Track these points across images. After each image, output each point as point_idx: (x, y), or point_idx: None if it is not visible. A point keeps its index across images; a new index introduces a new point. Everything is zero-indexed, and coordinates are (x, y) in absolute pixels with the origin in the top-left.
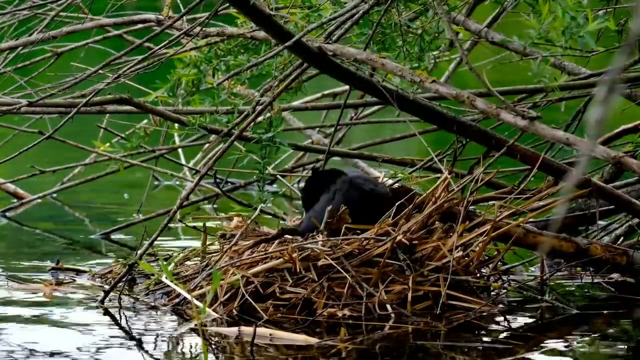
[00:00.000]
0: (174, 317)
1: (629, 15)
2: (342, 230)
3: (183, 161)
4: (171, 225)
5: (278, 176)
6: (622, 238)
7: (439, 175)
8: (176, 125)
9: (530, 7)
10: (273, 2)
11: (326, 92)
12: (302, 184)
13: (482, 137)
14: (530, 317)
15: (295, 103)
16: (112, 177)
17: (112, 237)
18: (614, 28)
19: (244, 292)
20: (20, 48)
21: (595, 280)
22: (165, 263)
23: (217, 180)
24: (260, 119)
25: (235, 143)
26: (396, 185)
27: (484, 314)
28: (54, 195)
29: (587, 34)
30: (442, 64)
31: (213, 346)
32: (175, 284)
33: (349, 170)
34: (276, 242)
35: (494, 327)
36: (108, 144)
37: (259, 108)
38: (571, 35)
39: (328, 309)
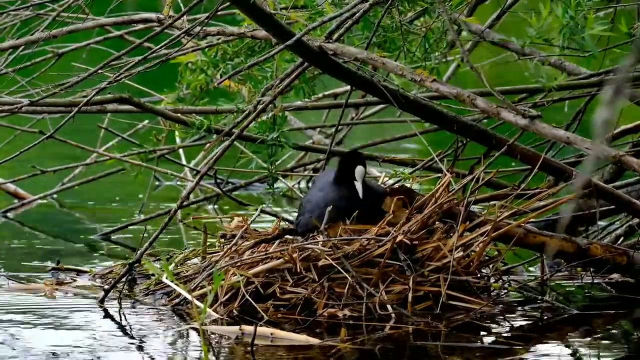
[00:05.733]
0: (174, 317)
1: (631, 16)
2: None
3: (184, 161)
4: (172, 225)
5: (279, 176)
6: (622, 238)
7: (439, 175)
8: (177, 125)
9: (532, 9)
10: (277, 2)
11: (327, 92)
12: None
13: (482, 136)
14: (530, 317)
15: (296, 103)
16: (112, 178)
17: (113, 237)
18: (625, 30)
19: (245, 292)
20: (21, 47)
21: (596, 281)
22: (166, 263)
23: (218, 180)
24: (262, 118)
25: (238, 143)
26: (396, 185)
27: (485, 314)
28: (55, 195)
29: (588, 37)
30: (442, 63)
31: (213, 346)
32: (176, 284)
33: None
34: (277, 242)
35: (495, 327)
36: (110, 144)
37: (260, 107)
38: (570, 36)
39: (328, 309)
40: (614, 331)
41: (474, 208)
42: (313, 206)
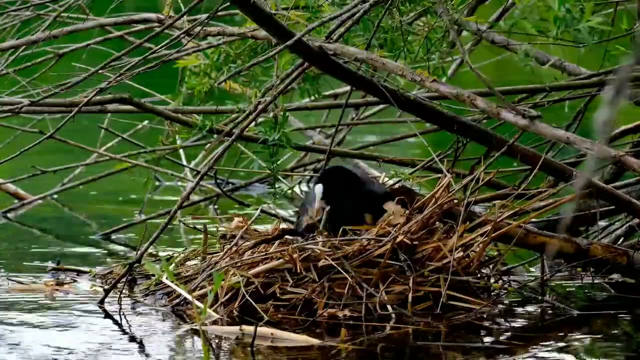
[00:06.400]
0: (175, 318)
1: (631, 16)
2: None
3: (184, 162)
4: (172, 225)
5: (279, 176)
6: (622, 238)
7: (439, 175)
8: (178, 126)
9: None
10: (279, 3)
11: (327, 92)
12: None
13: (482, 137)
14: (530, 317)
15: (296, 103)
16: (113, 178)
17: (113, 237)
18: (625, 27)
19: (245, 292)
20: (22, 48)
21: (596, 281)
22: (166, 263)
23: (218, 180)
24: (263, 118)
25: (238, 144)
26: (396, 185)
27: (485, 314)
28: (55, 195)
29: (584, 28)
30: (443, 63)
31: (213, 347)
32: (176, 285)
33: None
34: (277, 242)
35: (495, 327)
36: (110, 144)
37: (260, 107)
38: (565, 27)
39: (328, 310)
40: (614, 331)
41: (477, 208)
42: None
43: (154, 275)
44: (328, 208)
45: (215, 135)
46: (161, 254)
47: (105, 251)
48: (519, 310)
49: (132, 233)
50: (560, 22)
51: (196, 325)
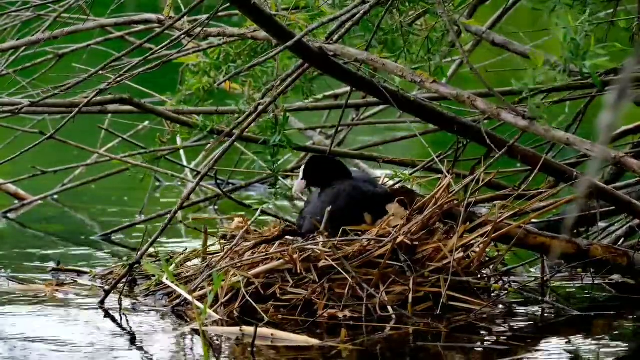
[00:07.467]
0: (175, 318)
1: (631, 15)
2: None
3: (185, 162)
4: (172, 225)
5: (279, 177)
6: (622, 239)
7: (440, 176)
8: (178, 126)
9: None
10: (280, 3)
11: (328, 93)
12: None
13: (482, 137)
14: (530, 318)
15: (297, 103)
16: (113, 178)
17: (113, 238)
18: (623, 26)
19: (245, 293)
20: (22, 48)
21: (596, 282)
22: (166, 264)
23: (218, 181)
24: (264, 119)
25: (238, 144)
26: (396, 186)
27: (485, 315)
28: (55, 196)
29: (589, 64)
30: (443, 64)
31: (214, 347)
32: (176, 285)
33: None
34: (277, 243)
35: (495, 328)
36: (111, 144)
37: (260, 108)
38: (572, 61)
39: (329, 310)
40: (614, 332)
41: (481, 209)
42: (314, 208)
43: (154, 275)
44: (329, 208)
45: (215, 136)
46: (161, 254)
47: (106, 252)
48: (519, 310)
49: (133, 233)
50: (567, 55)
51: (196, 326)
